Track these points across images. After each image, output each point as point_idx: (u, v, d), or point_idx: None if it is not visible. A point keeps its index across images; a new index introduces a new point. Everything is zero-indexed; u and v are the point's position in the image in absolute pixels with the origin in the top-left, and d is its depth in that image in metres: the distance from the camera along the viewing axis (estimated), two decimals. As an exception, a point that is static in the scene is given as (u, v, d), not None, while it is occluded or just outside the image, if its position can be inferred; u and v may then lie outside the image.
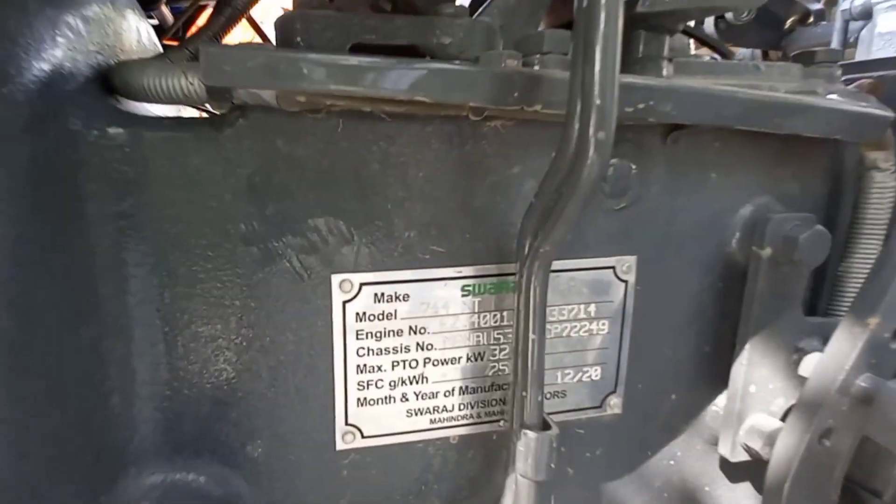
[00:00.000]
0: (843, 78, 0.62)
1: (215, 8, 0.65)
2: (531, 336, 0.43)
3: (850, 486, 0.57)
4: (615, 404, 0.55)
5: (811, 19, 1.41)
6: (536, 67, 0.44)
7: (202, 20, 1.02)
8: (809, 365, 0.46)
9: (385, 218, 0.47)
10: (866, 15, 1.17)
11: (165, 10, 0.87)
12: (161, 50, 0.73)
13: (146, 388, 0.45)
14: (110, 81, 0.44)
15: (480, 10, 0.57)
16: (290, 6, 0.65)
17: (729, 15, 1.35)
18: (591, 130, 0.34)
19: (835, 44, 1.24)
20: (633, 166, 0.49)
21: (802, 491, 0.44)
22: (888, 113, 0.51)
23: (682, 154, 0.50)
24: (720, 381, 0.56)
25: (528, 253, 0.42)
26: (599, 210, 0.50)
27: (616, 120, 0.39)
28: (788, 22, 1.44)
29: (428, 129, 0.45)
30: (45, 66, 0.38)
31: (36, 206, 0.35)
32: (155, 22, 0.95)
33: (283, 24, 0.48)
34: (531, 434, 0.44)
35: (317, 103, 0.41)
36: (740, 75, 0.51)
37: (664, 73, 0.48)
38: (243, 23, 0.75)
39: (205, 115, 0.44)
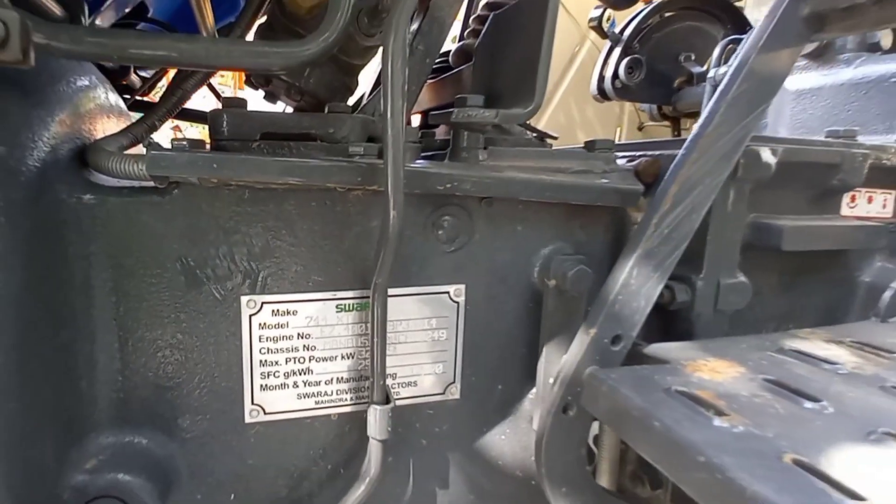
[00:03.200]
0: (638, 153, 0.85)
1: (167, 90, 0.85)
2: (375, 339, 0.64)
3: (642, 477, 0.79)
4: (455, 391, 0.76)
5: (695, 81, 1.68)
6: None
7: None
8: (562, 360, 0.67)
9: (280, 256, 0.67)
10: (728, 82, 1.44)
11: (134, 76, 1.07)
12: (125, 109, 0.93)
13: (105, 375, 0.63)
14: (85, 157, 0.64)
15: (362, 105, 0.78)
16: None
17: (622, 76, 1.62)
18: (391, 207, 0.55)
19: (705, 104, 1.50)
20: (460, 221, 0.71)
21: (555, 447, 0.64)
22: (638, 188, 0.73)
23: (496, 213, 0.72)
24: (534, 375, 0.77)
25: (372, 283, 0.63)
26: (436, 251, 0.71)
27: (433, 193, 0.60)
28: (676, 82, 1.71)
29: (309, 195, 0.66)
30: (42, 155, 0.57)
31: (35, 250, 0.54)
32: (125, 83, 1.14)
33: (213, 117, 0.68)
34: (376, 406, 0.65)
35: (227, 181, 0.62)
36: (540, 158, 0.73)
37: (480, 158, 0.70)
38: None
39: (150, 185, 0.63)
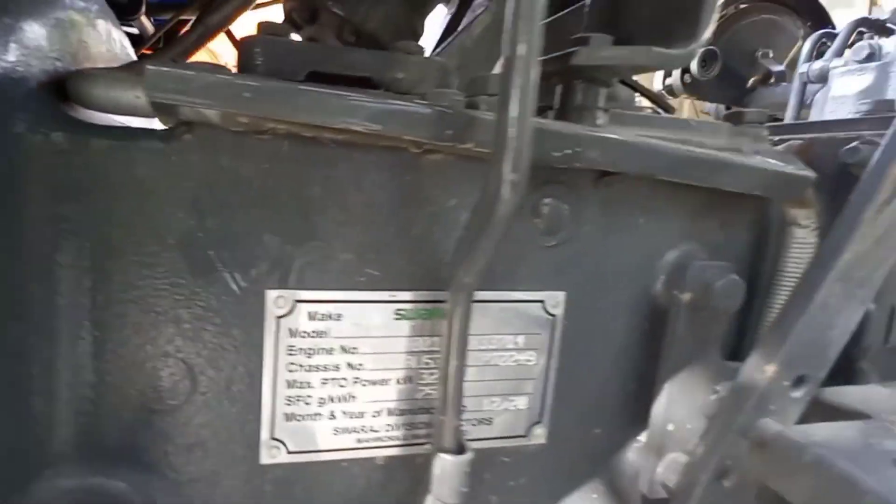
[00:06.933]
0: (776, 138, 0.67)
1: (189, 27, 0.67)
2: (452, 361, 0.45)
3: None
4: (540, 434, 0.57)
5: (772, 80, 1.49)
6: (484, 107, 0.47)
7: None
8: (713, 407, 0.49)
9: (323, 239, 0.48)
10: (823, 78, 1.25)
11: (146, 21, 0.90)
12: (133, 57, 0.75)
13: (69, 391, 0.45)
14: (66, 89, 0.46)
15: (440, 48, 0.60)
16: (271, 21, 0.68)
17: (693, 70, 1.43)
18: (506, 172, 0.36)
19: (791, 105, 1.31)
20: (566, 207, 0.52)
21: (703, 529, 0.45)
22: (808, 173, 0.55)
23: (613, 198, 0.53)
24: (644, 418, 0.58)
25: (454, 282, 0.44)
26: (532, 246, 0.53)
27: (542, 163, 0.42)
28: (750, 81, 1.53)
29: (369, 157, 0.48)
30: (-4, 69, 0.39)
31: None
32: (136, 31, 0.97)
33: (245, 47, 0.50)
34: (446, 457, 0.46)
35: (260, 125, 0.43)
36: (672, 129, 0.55)
37: (598, 122, 0.51)
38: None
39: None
